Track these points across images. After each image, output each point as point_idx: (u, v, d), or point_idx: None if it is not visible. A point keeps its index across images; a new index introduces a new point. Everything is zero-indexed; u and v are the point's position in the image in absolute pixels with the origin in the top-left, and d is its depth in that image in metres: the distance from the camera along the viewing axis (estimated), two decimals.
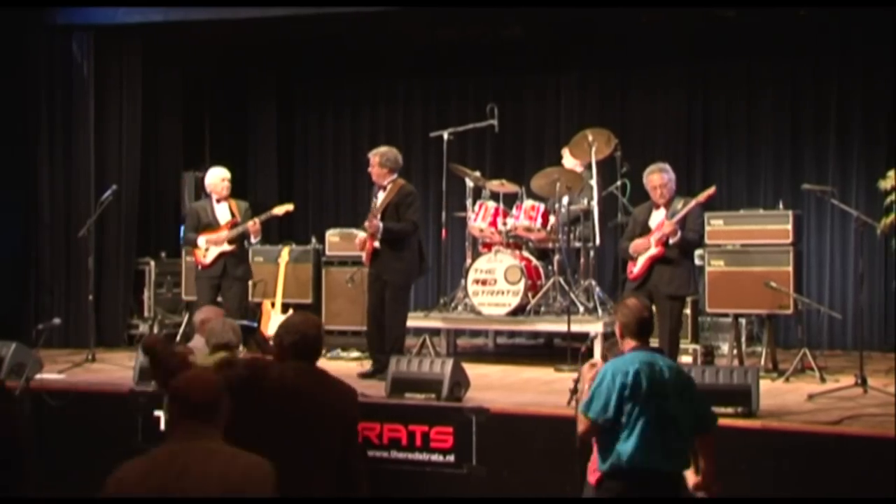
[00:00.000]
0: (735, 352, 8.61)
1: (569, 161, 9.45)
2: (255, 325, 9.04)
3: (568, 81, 11.54)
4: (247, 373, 4.40)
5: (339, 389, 4.54)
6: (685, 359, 8.33)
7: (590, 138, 9.14)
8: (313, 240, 10.43)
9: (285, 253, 9.89)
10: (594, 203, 9.12)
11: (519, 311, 8.98)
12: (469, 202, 9.47)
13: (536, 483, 6.46)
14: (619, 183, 9.45)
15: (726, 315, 8.93)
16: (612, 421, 4.52)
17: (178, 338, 10.06)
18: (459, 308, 9.37)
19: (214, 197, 8.96)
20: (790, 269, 8.51)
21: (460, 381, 7.11)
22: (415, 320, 9.06)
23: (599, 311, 8.89)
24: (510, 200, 9.50)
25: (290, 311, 9.19)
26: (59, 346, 9.72)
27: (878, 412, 6.59)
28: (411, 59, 11.91)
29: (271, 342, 4.86)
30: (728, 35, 10.56)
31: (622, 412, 4.50)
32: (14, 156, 10.38)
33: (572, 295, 8.86)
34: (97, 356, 9.15)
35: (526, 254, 9.24)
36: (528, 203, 9.17)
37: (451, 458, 6.73)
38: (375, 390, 7.30)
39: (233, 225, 8.79)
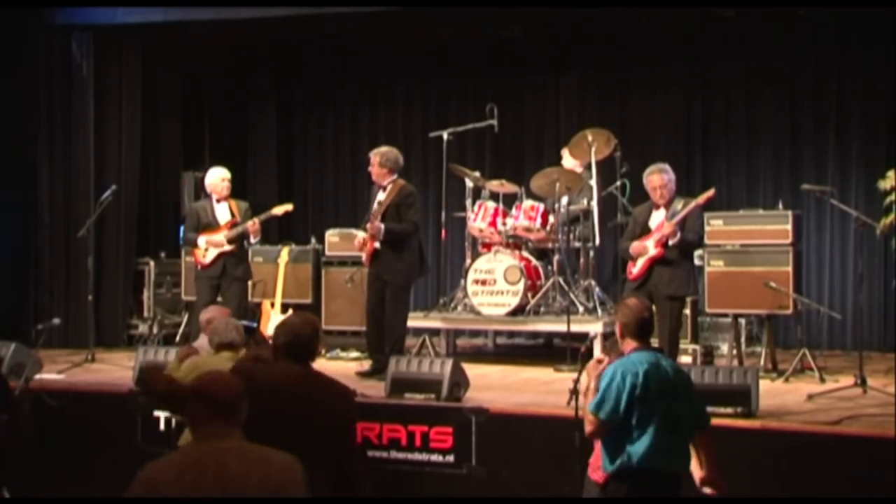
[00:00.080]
0: (735, 352, 8.61)
1: (568, 161, 9.45)
2: (255, 325, 9.05)
3: (567, 81, 11.54)
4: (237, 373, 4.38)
5: (334, 389, 4.53)
6: (685, 359, 8.33)
7: (589, 138, 9.14)
8: (313, 240, 10.44)
9: (285, 253, 9.89)
10: (594, 203, 9.12)
11: (518, 311, 8.98)
12: (468, 202, 9.47)
13: (536, 483, 6.46)
14: (618, 183, 9.44)
15: (726, 315, 8.93)
16: (621, 422, 4.51)
17: (178, 338, 10.08)
18: (459, 308, 9.37)
19: (214, 197, 8.96)
20: (790, 269, 8.51)
21: (460, 382, 7.11)
22: (414, 320, 9.06)
23: (599, 311, 8.89)
24: (510, 200, 9.50)
25: (290, 312, 9.19)
26: (59, 346, 9.72)
27: (878, 412, 6.59)
28: (411, 59, 11.91)
29: (271, 342, 4.86)
30: (728, 35, 10.56)
31: (632, 413, 4.50)
32: (13, 156, 10.38)
33: (572, 295, 8.86)
34: (97, 356, 9.16)
35: (525, 254, 9.24)
36: (527, 203, 9.17)
37: (450, 458, 6.73)
38: (375, 390, 7.31)
39: (232, 225, 8.79)
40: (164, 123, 11.58)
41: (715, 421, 4.99)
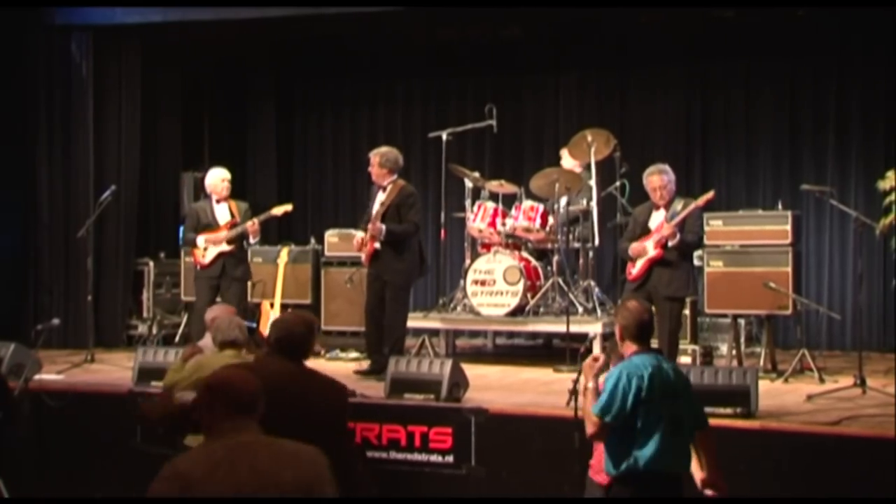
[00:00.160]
0: (734, 352, 8.61)
1: (567, 161, 9.45)
2: (255, 325, 9.07)
3: (567, 82, 11.53)
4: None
5: (327, 386, 4.52)
6: (684, 359, 8.32)
7: (589, 139, 9.14)
8: (312, 240, 10.44)
9: (284, 253, 9.89)
10: (593, 203, 9.12)
11: (518, 311, 8.98)
12: (468, 203, 9.47)
13: (535, 483, 6.46)
14: (617, 183, 9.44)
15: (725, 316, 8.93)
16: (626, 425, 4.51)
17: (178, 338, 10.08)
18: (458, 309, 9.37)
19: (214, 197, 8.96)
20: (789, 269, 8.51)
21: (459, 382, 7.11)
22: (414, 321, 9.06)
23: (598, 311, 8.89)
24: (509, 201, 9.50)
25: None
26: (58, 346, 9.72)
27: (877, 413, 6.59)
28: (410, 59, 11.91)
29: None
30: (727, 35, 10.56)
31: (637, 416, 4.50)
32: (13, 156, 10.38)
33: (571, 295, 8.86)
34: (96, 357, 9.16)
35: (525, 254, 9.24)
36: (527, 203, 9.17)
37: (449, 458, 6.73)
38: (374, 391, 7.31)
39: (232, 225, 8.79)
40: (163, 123, 11.58)
41: (714, 421, 4.99)
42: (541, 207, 9.12)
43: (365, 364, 8.43)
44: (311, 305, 9.96)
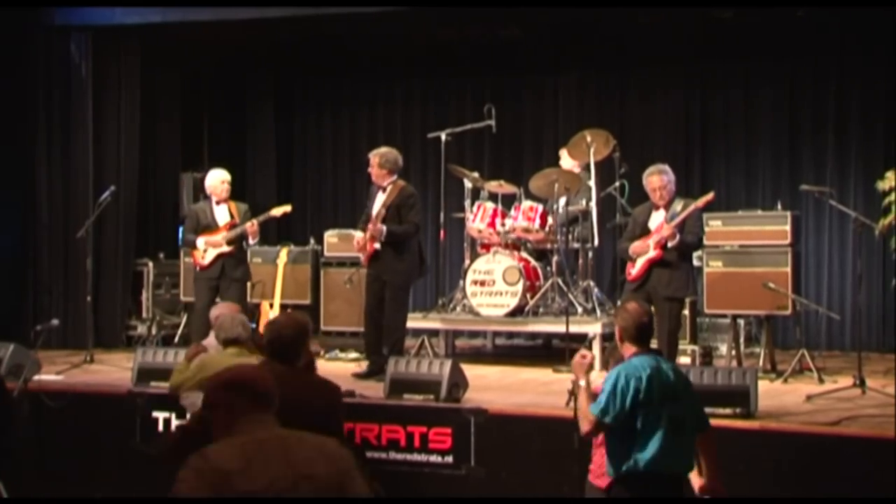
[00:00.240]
0: (733, 353, 8.61)
1: (567, 162, 9.44)
2: (254, 326, 9.06)
3: (566, 82, 11.53)
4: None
5: (319, 388, 4.51)
6: (684, 360, 8.32)
7: (588, 139, 9.13)
8: (312, 241, 10.44)
9: (284, 254, 9.88)
10: (592, 204, 9.12)
11: (517, 312, 8.98)
12: (467, 203, 9.47)
13: (535, 484, 6.46)
14: (617, 184, 9.44)
15: (725, 316, 8.93)
16: (626, 427, 4.52)
17: (177, 339, 10.08)
18: (458, 309, 9.37)
19: (214, 199, 8.96)
20: (788, 269, 8.51)
21: (459, 382, 7.11)
22: (413, 321, 9.06)
23: (598, 311, 8.89)
24: (509, 201, 9.50)
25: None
26: (58, 347, 9.72)
27: (877, 413, 6.59)
28: (410, 59, 11.91)
29: None
30: (726, 36, 10.56)
31: (636, 418, 4.50)
32: (12, 156, 10.37)
33: (571, 296, 8.86)
34: (95, 357, 9.15)
35: (524, 255, 9.24)
36: (526, 204, 9.17)
37: (449, 458, 6.73)
38: (374, 391, 7.31)
39: (231, 226, 8.79)
40: (162, 124, 11.57)
41: (714, 422, 4.99)
42: (540, 208, 9.12)
43: (364, 365, 8.43)
44: (310, 306, 9.96)
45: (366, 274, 8.57)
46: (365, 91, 12.37)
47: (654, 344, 5.28)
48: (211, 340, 6.37)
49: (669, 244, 7.44)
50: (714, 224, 8.77)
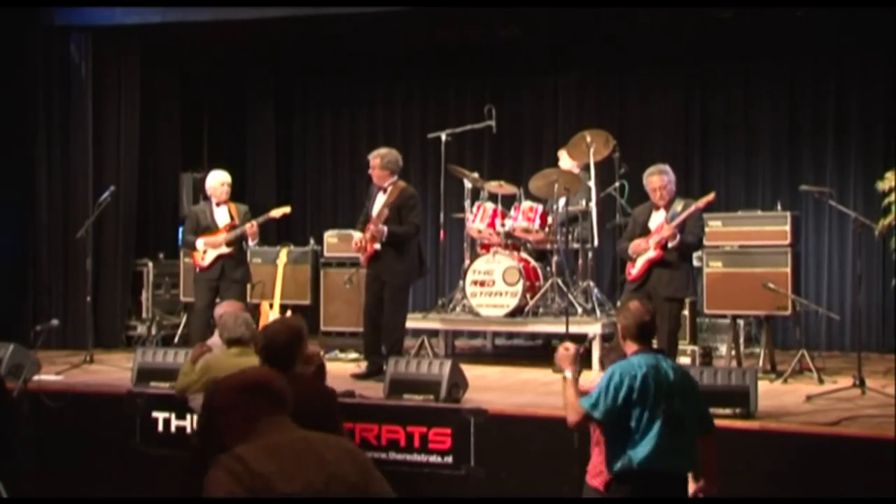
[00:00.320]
0: (733, 353, 8.62)
1: (566, 162, 9.44)
2: (254, 326, 9.05)
3: (566, 82, 11.53)
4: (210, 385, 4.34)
5: (312, 393, 4.50)
6: (683, 360, 8.32)
7: (588, 139, 9.13)
8: (311, 241, 10.44)
9: (283, 254, 9.88)
10: (592, 204, 9.12)
11: (517, 312, 8.98)
12: (467, 203, 9.47)
13: (534, 484, 6.46)
14: (617, 184, 9.44)
15: (724, 316, 8.93)
16: (621, 424, 4.52)
17: (177, 339, 10.08)
18: (458, 309, 9.37)
19: (214, 200, 8.95)
20: (788, 270, 8.51)
21: (458, 383, 7.11)
22: (413, 321, 9.06)
23: (598, 312, 8.89)
24: (508, 201, 9.50)
25: (288, 313, 9.19)
26: (57, 347, 9.72)
27: (876, 413, 6.59)
28: (409, 59, 11.91)
29: None
30: (726, 36, 10.56)
31: (630, 416, 4.50)
32: (12, 156, 10.37)
33: (570, 296, 8.86)
34: (95, 357, 9.15)
35: (524, 255, 9.24)
36: (526, 204, 9.17)
37: (449, 459, 6.73)
38: (373, 391, 7.31)
39: (231, 228, 8.79)
40: (162, 124, 11.57)
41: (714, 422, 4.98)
42: (540, 208, 9.12)
43: (363, 365, 8.43)
44: (310, 306, 9.96)
45: (365, 274, 8.57)
46: (365, 91, 12.37)
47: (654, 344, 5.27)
48: (215, 340, 6.37)
49: (670, 244, 7.44)
50: (714, 224, 8.77)
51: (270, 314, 9.40)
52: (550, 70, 11.59)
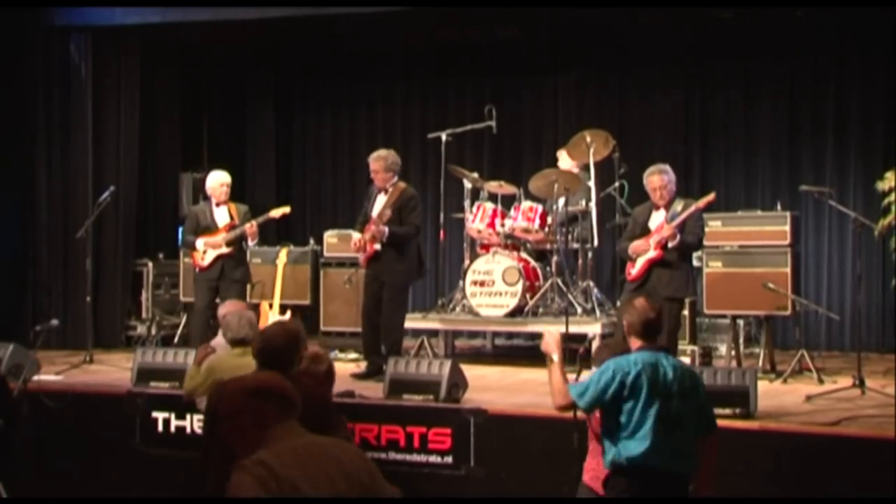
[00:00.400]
0: (733, 353, 8.62)
1: (565, 162, 9.44)
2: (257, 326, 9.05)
3: (566, 82, 11.53)
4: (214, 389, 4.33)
5: (308, 395, 4.49)
6: (683, 360, 8.31)
7: (588, 139, 9.13)
8: (311, 241, 10.44)
9: (283, 254, 9.88)
10: (592, 204, 9.12)
11: (517, 312, 8.98)
12: (467, 203, 9.47)
13: (534, 484, 6.46)
14: (616, 184, 9.44)
15: (724, 316, 8.94)
16: (610, 418, 4.54)
17: (176, 339, 10.08)
18: (457, 309, 9.37)
19: (214, 200, 8.96)
20: (788, 270, 8.52)
21: (458, 383, 7.11)
22: (413, 321, 9.07)
23: (597, 312, 8.89)
24: (508, 202, 9.50)
25: (288, 313, 9.20)
26: (57, 347, 9.72)
27: (876, 413, 6.59)
28: (409, 60, 11.91)
29: None
30: (725, 36, 10.57)
31: (621, 411, 4.51)
32: (12, 156, 10.38)
33: (570, 296, 8.86)
34: (95, 357, 9.15)
35: (524, 255, 9.24)
36: (526, 204, 9.17)
37: (449, 459, 6.73)
38: (373, 391, 7.31)
39: (231, 228, 8.79)
40: (162, 124, 11.57)
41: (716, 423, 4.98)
42: (540, 208, 9.12)
43: (363, 365, 8.43)
44: (310, 306, 9.96)
45: (364, 274, 8.58)
46: (365, 91, 12.37)
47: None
48: (219, 340, 6.36)
49: (670, 244, 7.44)
50: (714, 224, 8.77)
51: (270, 314, 9.41)
52: (550, 70, 11.59)
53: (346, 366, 8.91)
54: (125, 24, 10.13)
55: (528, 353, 10.07)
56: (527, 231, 9.14)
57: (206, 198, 9.15)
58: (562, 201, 9.05)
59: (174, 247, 10.73)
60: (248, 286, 9.35)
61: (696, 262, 8.52)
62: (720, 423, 5.23)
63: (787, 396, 7.32)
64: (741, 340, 9.00)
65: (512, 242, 9.27)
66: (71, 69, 10.36)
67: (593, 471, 4.88)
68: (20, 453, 7.15)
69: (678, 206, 7.61)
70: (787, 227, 8.63)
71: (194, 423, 7.18)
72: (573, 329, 8.47)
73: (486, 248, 9.29)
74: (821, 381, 7.78)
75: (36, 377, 7.87)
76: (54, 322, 8.79)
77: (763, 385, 7.19)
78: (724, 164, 10.95)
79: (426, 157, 11.42)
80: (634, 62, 11.17)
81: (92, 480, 7.45)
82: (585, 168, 9.24)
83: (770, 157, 10.76)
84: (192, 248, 8.88)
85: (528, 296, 8.96)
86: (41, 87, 10.45)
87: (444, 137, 9.72)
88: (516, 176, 10.20)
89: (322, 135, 12.63)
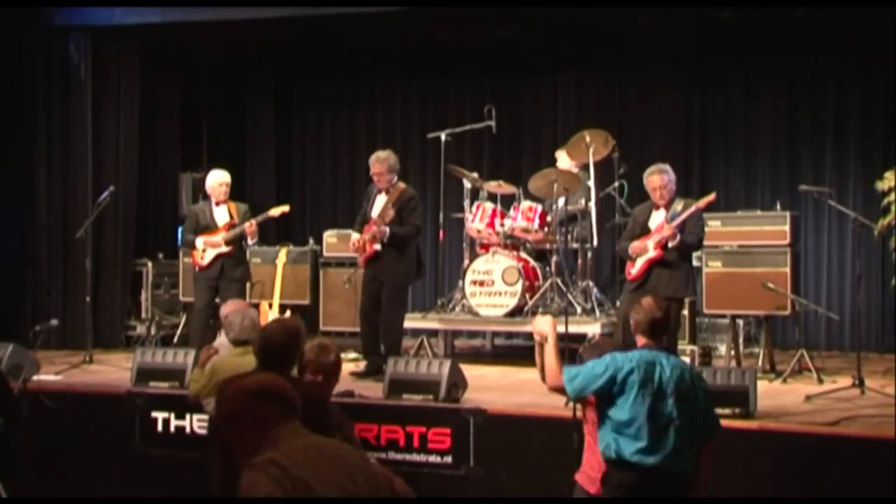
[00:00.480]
0: (733, 353, 8.62)
1: (564, 162, 9.44)
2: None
3: (565, 82, 11.54)
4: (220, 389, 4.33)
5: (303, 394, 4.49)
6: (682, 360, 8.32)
7: (587, 139, 9.13)
8: (311, 241, 10.44)
9: (283, 254, 9.88)
10: (591, 204, 9.12)
11: (516, 312, 8.98)
12: (467, 203, 9.47)
13: (534, 484, 6.46)
14: (616, 184, 9.44)
15: (724, 316, 8.94)
16: (602, 411, 4.58)
17: (176, 339, 10.08)
18: (457, 309, 9.38)
19: (213, 200, 8.96)
20: (788, 270, 8.52)
21: (458, 382, 7.11)
22: (412, 321, 9.07)
23: (597, 311, 8.89)
24: (508, 201, 9.50)
25: (288, 313, 9.20)
26: (57, 347, 9.71)
27: (876, 413, 6.59)
28: (409, 60, 11.91)
29: None
30: (725, 36, 10.56)
31: (613, 404, 4.54)
32: (12, 156, 10.38)
33: (570, 296, 8.86)
34: (94, 357, 9.14)
35: (523, 255, 9.24)
36: (525, 204, 9.17)
37: (448, 459, 6.73)
38: (373, 391, 7.31)
39: (230, 227, 8.79)
40: (162, 124, 11.57)
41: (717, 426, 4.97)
42: (539, 208, 9.12)
43: (362, 365, 8.43)
44: (309, 306, 9.96)
45: (363, 274, 8.58)
46: (364, 91, 12.37)
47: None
48: (222, 340, 6.36)
49: (670, 244, 7.43)
50: (713, 224, 8.77)
51: (270, 314, 9.41)
52: (549, 70, 11.59)
53: (346, 365, 8.85)
54: (125, 24, 10.13)
55: (527, 353, 9.97)
56: (526, 231, 9.14)
57: (206, 197, 9.15)
58: (561, 201, 9.05)
59: (174, 247, 10.73)
60: (248, 285, 9.35)
61: (695, 262, 8.52)
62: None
63: (787, 396, 7.33)
64: (741, 340, 9.00)
65: (511, 242, 9.27)
66: (71, 69, 10.36)
67: (587, 472, 4.87)
68: (20, 453, 7.15)
69: (678, 205, 7.61)
70: (787, 227, 8.64)
71: (194, 423, 7.19)
72: (573, 329, 8.43)
73: (486, 247, 9.29)
74: (820, 381, 7.78)
75: (35, 377, 7.87)
76: (54, 322, 8.79)
77: (762, 385, 7.19)
78: (723, 164, 10.95)
79: (426, 157, 11.43)
80: (634, 62, 11.17)
81: (91, 480, 7.45)
82: (585, 168, 9.24)
83: (769, 157, 10.76)
84: (192, 247, 8.88)
85: (527, 296, 8.96)
86: (41, 87, 10.45)
87: (443, 137, 9.73)
88: (516, 176, 10.20)
89: (322, 135, 12.64)
